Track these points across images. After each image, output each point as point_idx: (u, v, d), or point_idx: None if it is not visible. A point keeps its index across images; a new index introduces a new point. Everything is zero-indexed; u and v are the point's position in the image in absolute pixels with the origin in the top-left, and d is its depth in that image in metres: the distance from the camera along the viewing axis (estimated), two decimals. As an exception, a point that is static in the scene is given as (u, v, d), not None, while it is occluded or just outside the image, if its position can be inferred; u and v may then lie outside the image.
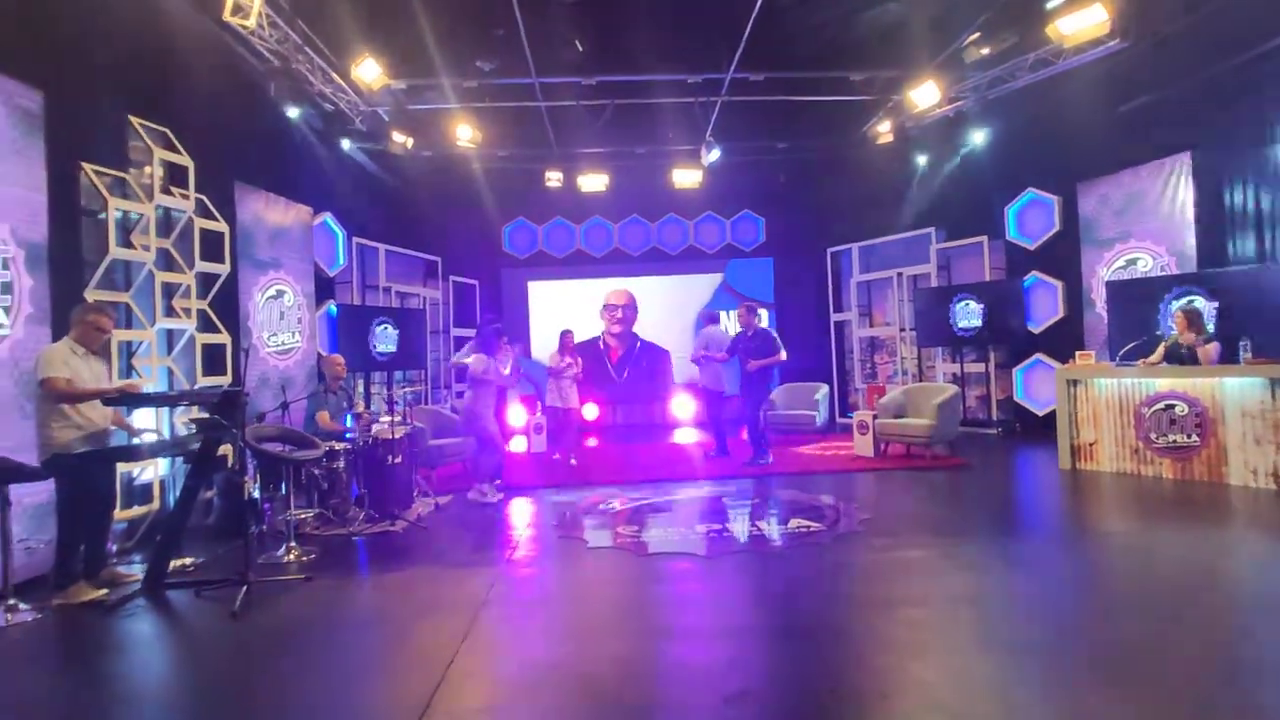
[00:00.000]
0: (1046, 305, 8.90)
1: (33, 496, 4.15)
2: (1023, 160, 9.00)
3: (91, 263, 4.93)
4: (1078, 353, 7.02)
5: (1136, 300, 7.38)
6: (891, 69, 8.91)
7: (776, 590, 3.85)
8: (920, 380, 10.15)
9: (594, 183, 11.18)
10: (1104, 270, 8.24)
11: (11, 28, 4.40)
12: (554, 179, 11.06)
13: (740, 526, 5.17)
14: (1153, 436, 6.18)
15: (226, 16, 6.29)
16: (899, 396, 8.05)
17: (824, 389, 9.46)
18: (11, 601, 3.68)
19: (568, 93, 9.25)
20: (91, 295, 4.82)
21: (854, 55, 8.70)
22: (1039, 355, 8.89)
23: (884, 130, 9.93)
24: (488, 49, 8.27)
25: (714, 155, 10.38)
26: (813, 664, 2.86)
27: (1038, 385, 8.97)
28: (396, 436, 5.66)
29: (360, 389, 9.08)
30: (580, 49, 8.16)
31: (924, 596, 3.55)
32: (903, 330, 10.62)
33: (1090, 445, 6.59)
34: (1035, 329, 8.99)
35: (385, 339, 9.10)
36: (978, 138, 9.42)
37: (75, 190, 4.85)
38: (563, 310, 12.19)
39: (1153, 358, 6.25)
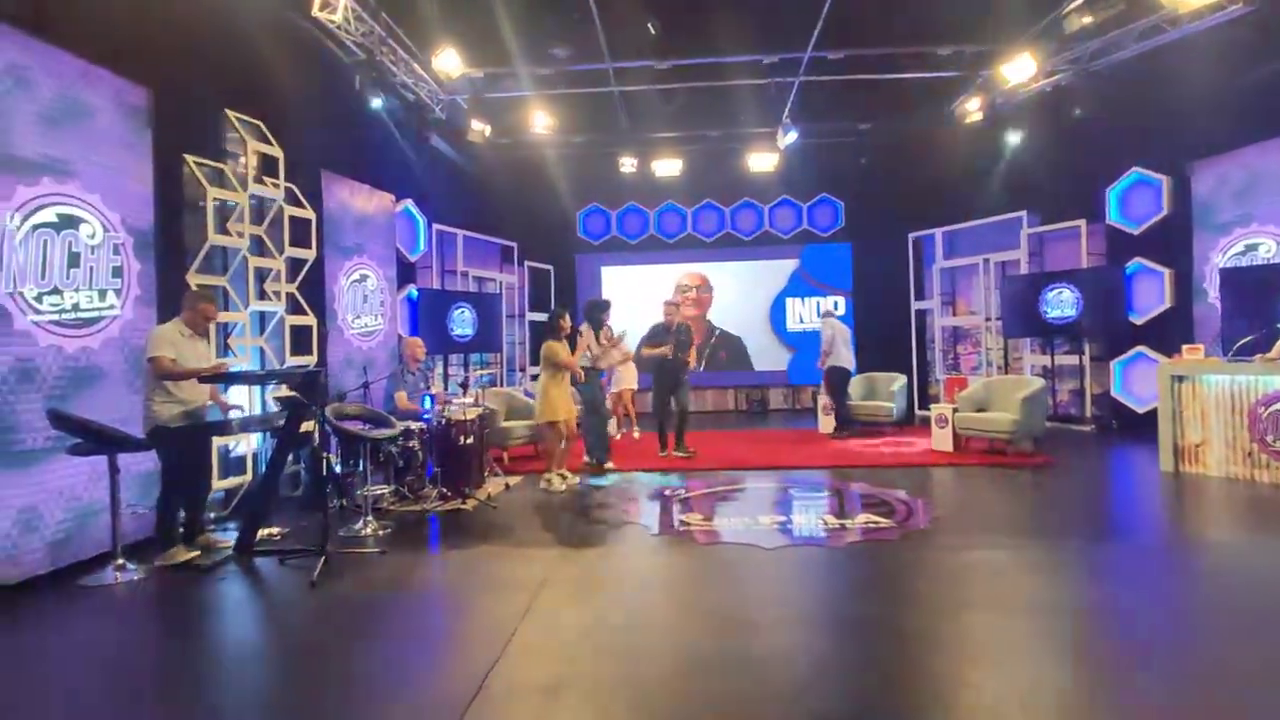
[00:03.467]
0: (1151, 294, 8.26)
1: (139, 465, 4.49)
2: (1128, 138, 8.33)
3: (192, 248, 5.26)
4: (1185, 346, 6.47)
5: (1255, 290, 6.73)
6: (982, 43, 8.42)
7: (841, 586, 3.75)
8: (1006, 372, 9.65)
9: (668, 167, 11.10)
10: (1219, 257, 7.56)
11: (121, 30, 4.71)
12: (628, 164, 11.05)
13: (808, 519, 5.06)
14: (1270, 439, 5.65)
15: (315, 12, 6.55)
16: (980, 389, 7.67)
17: (901, 380, 9.10)
18: (120, 561, 4.01)
19: (641, 77, 9.20)
20: (193, 279, 5.16)
21: (941, 29, 8.26)
22: (1141, 348, 8.27)
23: (972, 108, 9.41)
24: (563, 36, 8.31)
25: (791, 137, 10.11)
26: (874, 666, 2.77)
27: (1139, 380, 8.35)
28: (470, 418, 5.82)
29: (438, 371, 9.38)
30: (654, 32, 8.08)
31: (996, 601, 3.37)
32: (989, 319, 10.09)
33: (1196, 447, 6.09)
34: (1138, 320, 8.36)
35: (463, 323, 9.36)
36: (1077, 114, 8.77)
37: (178, 181, 5.18)
38: (637, 295, 12.19)
39: (1272, 353, 5.69)
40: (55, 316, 4.12)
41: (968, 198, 10.29)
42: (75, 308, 4.25)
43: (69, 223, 4.22)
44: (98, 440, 3.96)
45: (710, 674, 2.70)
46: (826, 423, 9.01)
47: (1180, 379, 6.19)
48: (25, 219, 3.97)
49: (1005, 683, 2.56)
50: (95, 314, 4.38)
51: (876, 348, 11.32)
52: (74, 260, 4.25)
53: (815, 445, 8.13)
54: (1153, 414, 7.66)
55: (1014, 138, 9.66)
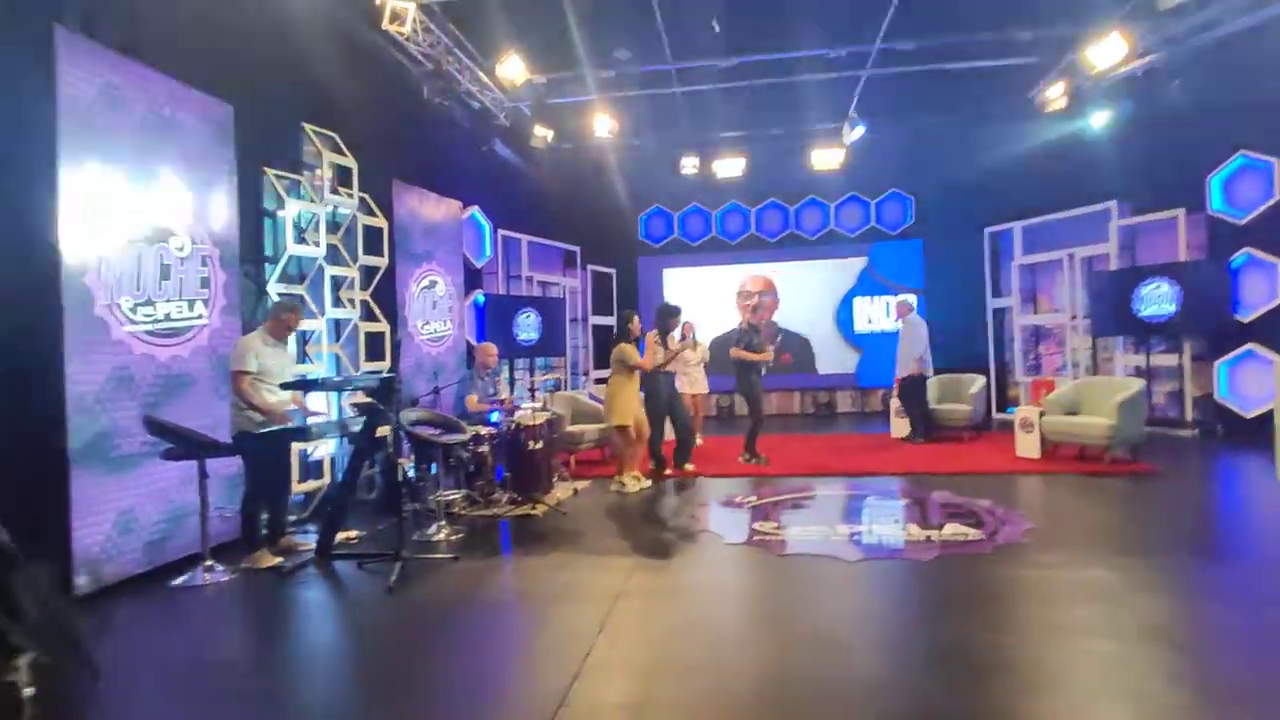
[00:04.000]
0: (1261, 288, 7.63)
1: (225, 470, 4.63)
2: (1232, 119, 7.72)
3: (272, 258, 5.42)
4: (1304, 344, 5.94)
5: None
6: (1065, 25, 7.96)
7: (930, 604, 3.54)
8: (1094, 373, 9.09)
9: (730, 167, 10.93)
10: (1340, 246, 6.93)
11: (205, 48, 4.90)
12: (689, 165, 10.94)
13: (888, 529, 4.84)
14: None
15: (385, 25, 6.69)
16: (1071, 392, 7.23)
17: (980, 381, 8.69)
18: (209, 563, 4.14)
19: (704, 77, 9.08)
20: (273, 288, 5.31)
21: (1020, 13, 7.85)
22: (1250, 346, 7.65)
23: (1055, 95, 8.91)
24: (625, 38, 8.27)
25: (858, 133, 9.80)
26: (974, 697, 2.57)
27: (1247, 381, 7.74)
28: (537, 423, 5.81)
29: (505, 375, 9.47)
30: (717, 30, 7.95)
31: (1105, 625, 3.11)
32: (1074, 318, 9.54)
33: (1319, 454, 5.57)
34: (1245, 316, 7.74)
35: (528, 327, 9.42)
36: (1173, 97, 8.18)
37: (259, 193, 5.35)
38: (699, 297, 12.07)
39: None
40: (149, 326, 4.29)
41: (1049, 190, 9.74)
42: (167, 317, 4.41)
43: (161, 236, 4.39)
44: (188, 445, 4.10)
45: (799, 700, 2.56)
46: (899, 426, 8.68)
47: (1301, 380, 5.67)
48: (121, 233, 4.13)
49: (1130, 716, 2.34)
50: (185, 323, 4.54)
51: (951, 348, 10.82)
52: (165, 272, 4.42)
53: (889, 450, 7.83)
54: (1264, 418, 7.10)
55: (1101, 124, 9.10)
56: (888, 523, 5.04)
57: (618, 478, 6.24)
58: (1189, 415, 8.28)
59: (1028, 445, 7.04)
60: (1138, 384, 6.83)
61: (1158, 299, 8.28)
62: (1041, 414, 7.01)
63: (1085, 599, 3.44)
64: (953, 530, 4.63)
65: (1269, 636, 3.00)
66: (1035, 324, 10.35)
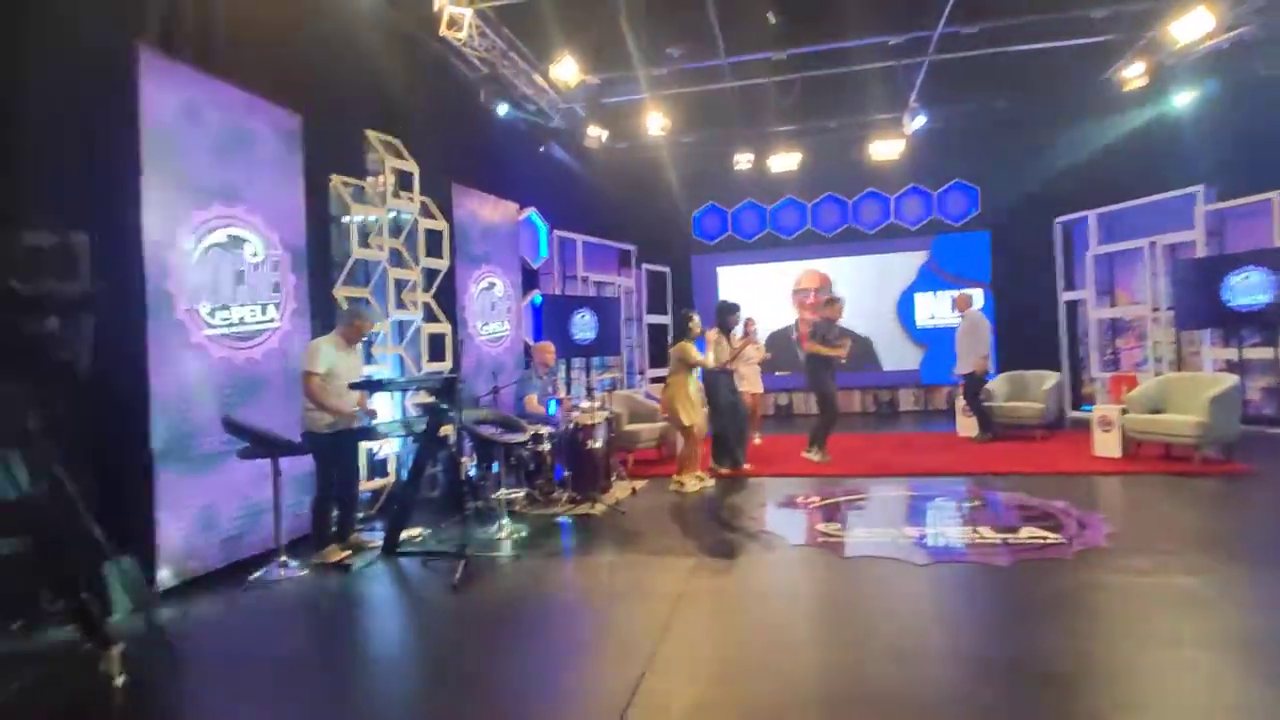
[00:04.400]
0: (1368, 275, 7.05)
1: (298, 468, 4.78)
2: (1335, 94, 7.16)
3: (338, 262, 5.58)
4: None
5: None
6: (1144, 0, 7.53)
7: (1006, 611, 3.38)
8: (1179, 368, 8.57)
9: (785, 162, 10.75)
10: None
11: (275, 61, 5.08)
12: (744, 160, 10.80)
13: (958, 531, 4.65)
14: None
15: (443, 31, 6.81)
16: (1155, 388, 6.82)
17: (1053, 378, 8.29)
18: (283, 559, 4.28)
19: (758, 70, 8.94)
20: (340, 292, 5.47)
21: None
22: (1356, 338, 7.09)
23: (1134, 74, 8.44)
24: (677, 35, 8.21)
25: (919, 122, 9.52)
26: (1057, 712, 2.43)
27: (1353, 375, 7.16)
28: (595, 422, 5.82)
29: (562, 374, 9.53)
30: (773, 22, 7.81)
31: (1197, 635, 2.91)
32: (1155, 309, 9.01)
33: None
34: (1351, 305, 7.17)
35: (584, 327, 9.47)
36: (1268, 71, 7.65)
37: (325, 199, 5.52)
38: (755, 295, 11.91)
39: None
40: (225, 330, 4.46)
41: (1127, 176, 9.22)
42: (241, 321, 4.58)
43: (236, 243, 4.57)
44: (262, 445, 4.25)
45: (868, 710, 2.47)
46: (966, 425, 8.38)
47: None
48: (200, 241, 4.32)
49: (1238, 738, 2.17)
50: (258, 327, 4.71)
51: (1021, 344, 10.44)
52: (240, 277, 4.59)
53: (956, 449, 7.56)
54: (1377, 415, 6.58)
55: (1185, 103, 8.58)
56: (958, 525, 4.85)
57: (677, 477, 6.20)
58: (1287, 412, 7.72)
59: (1107, 444, 6.69)
60: (1231, 379, 6.40)
61: (1249, 288, 7.74)
62: (1124, 411, 6.64)
63: (1175, 607, 3.24)
64: (1029, 533, 4.42)
65: (1393, 653, 2.75)
66: (1112, 317, 9.83)
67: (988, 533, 4.53)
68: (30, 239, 3.09)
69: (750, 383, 8.16)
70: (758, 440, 8.46)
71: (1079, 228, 10.03)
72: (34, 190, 3.71)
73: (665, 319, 11.91)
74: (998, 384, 8.59)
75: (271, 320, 4.81)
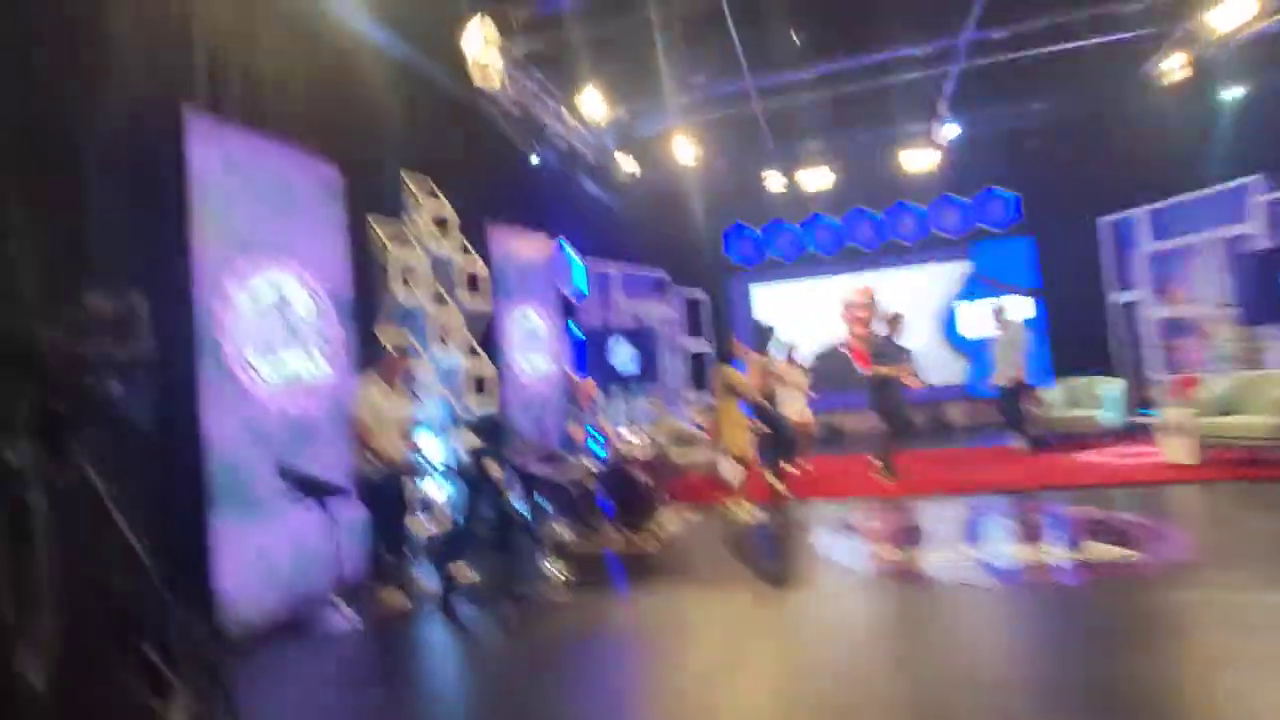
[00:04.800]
0: None
1: (353, 513, 4.82)
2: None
3: (380, 305, 5.69)
4: None
5: None
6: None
7: (1082, 635, 3.18)
8: (1247, 368, 8.15)
9: (816, 179, 10.68)
10: None
11: (314, 113, 5.23)
12: (774, 180, 10.75)
13: (1029, 551, 4.44)
14: None
15: (477, 83, 6.94)
16: (1226, 389, 6.49)
17: (1114, 384, 7.96)
18: (341, 604, 4.29)
19: (784, 89, 8.94)
20: (383, 334, 5.56)
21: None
22: None
23: (1173, 66, 8.19)
24: (701, 60, 8.27)
25: (951, 131, 9.37)
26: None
27: None
28: (642, 454, 5.76)
29: (605, 404, 9.51)
30: (797, 42, 7.81)
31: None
32: (1218, 307, 8.61)
33: None
34: None
35: (624, 357, 9.46)
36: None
37: (366, 246, 5.64)
38: (793, 314, 11.79)
39: None
40: (276, 379, 4.56)
41: (1175, 170, 8.92)
42: (295, 373, 4.68)
43: (283, 293, 4.68)
44: (315, 490, 4.29)
45: (954, 745, 2.33)
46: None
47: None
48: (250, 294, 4.44)
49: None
50: (308, 375, 4.80)
51: (1073, 349, 10.07)
52: (289, 328, 4.70)
53: (1012, 463, 7.28)
54: None
55: (1233, 92, 8.28)
56: (1024, 543, 4.63)
57: (728, 505, 6.09)
58: (1372, 408, 7.24)
59: (1179, 451, 6.36)
60: (1307, 376, 6.06)
61: (1319, 279, 7.35)
62: (1195, 414, 6.32)
63: (1270, 628, 3.00)
64: (1101, 550, 4.19)
65: None
66: (1169, 317, 9.43)
67: (1058, 551, 4.32)
68: (91, 301, 3.19)
69: (795, 408, 7.86)
70: (808, 466, 8.16)
71: (1127, 226, 9.71)
72: (92, 252, 3.86)
73: (706, 345, 11.85)
74: (1055, 393, 8.28)
75: (320, 368, 4.90)
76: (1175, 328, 9.48)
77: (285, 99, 5.06)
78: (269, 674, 3.63)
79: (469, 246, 6.75)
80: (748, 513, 6.00)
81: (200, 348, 4.08)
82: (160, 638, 3.38)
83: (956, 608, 3.60)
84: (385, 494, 4.52)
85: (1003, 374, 7.85)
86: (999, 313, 8.26)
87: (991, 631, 3.31)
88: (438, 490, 5.91)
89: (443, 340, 6.33)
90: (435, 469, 4.79)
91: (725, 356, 6.21)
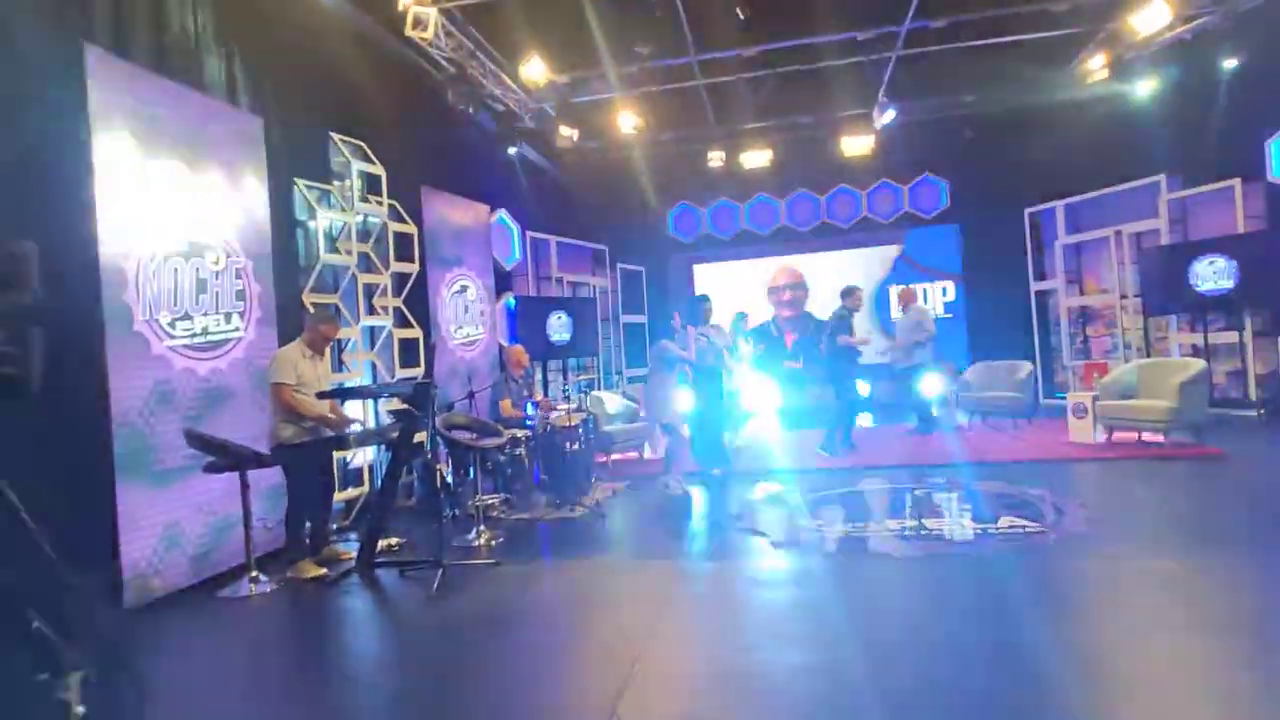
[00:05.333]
0: (1327, 258, 7.21)
1: (268, 480, 4.65)
2: (1290, 82, 7.31)
3: (305, 268, 5.45)
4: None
5: None
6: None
7: (992, 602, 3.37)
8: (1148, 355, 8.72)
9: (757, 159, 10.74)
10: None
11: (236, 65, 4.94)
12: (716, 158, 10.77)
13: (942, 523, 4.66)
14: None
15: (408, 31, 6.68)
16: (1127, 375, 6.92)
17: (1027, 368, 8.38)
18: (254, 574, 4.15)
19: (728, 67, 8.93)
20: (308, 298, 5.33)
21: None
22: (1317, 320, 7.24)
23: (1096, 66, 8.54)
24: (646, 33, 8.16)
25: (889, 117, 9.54)
26: (1048, 701, 2.42)
27: (1315, 357, 7.33)
28: (573, 424, 5.75)
29: (538, 377, 9.44)
30: (743, 17, 7.79)
31: (1184, 620, 2.93)
32: (1124, 297, 9.16)
33: (1403, 431, 5.23)
34: (1311, 288, 7.32)
35: (559, 328, 9.38)
36: (1225, 61, 7.80)
37: (290, 204, 5.38)
38: (731, 293, 11.92)
39: None
40: (188, 340, 4.32)
41: (1093, 166, 9.37)
42: (204, 331, 4.44)
43: (196, 250, 4.42)
44: (229, 458, 4.11)
45: (856, 707, 2.43)
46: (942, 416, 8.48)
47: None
48: (157, 249, 4.17)
49: (1224, 722, 2.17)
50: (222, 336, 4.57)
51: (993, 334, 10.57)
52: (202, 286, 4.45)
53: (934, 441, 7.59)
54: (1339, 395, 6.74)
55: (1147, 94, 8.72)
56: (939, 516, 4.85)
57: (661, 478, 6.15)
58: (1254, 394, 7.88)
59: (1082, 431, 6.78)
60: (1199, 364, 6.52)
61: (1214, 274, 7.89)
62: (1096, 398, 6.73)
63: (1158, 591, 3.26)
64: (1009, 522, 4.44)
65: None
66: (1082, 305, 9.99)
67: (970, 523, 4.55)
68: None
69: (741, 381, 7.96)
70: (750, 439, 8.29)
71: (1047, 218, 10.18)
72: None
73: (642, 318, 11.86)
74: (972, 374, 8.66)
75: (236, 329, 4.67)
76: (1086, 316, 10.06)
77: (203, 48, 4.76)
78: (179, 646, 3.49)
79: (401, 210, 6.53)
80: (678, 484, 6.08)
81: (105, 306, 3.82)
82: (54, 612, 3.20)
83: (872, 577, 3.75)
84: (304, 460, 4.37)
85: (907, 357, 8.01)
86: (902, 295, 8.51)
87: (907, 598, 3.46)
88: (361, 457, 5.76)
89: (371, 304, 6.13)
90: (360, 436, 4.65)
91: (666, 330, 6.21)
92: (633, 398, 8.46)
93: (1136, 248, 9.01)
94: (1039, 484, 5.34)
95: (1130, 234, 9.06)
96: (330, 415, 4.39)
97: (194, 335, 4.37)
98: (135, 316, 4.00)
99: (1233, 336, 8.12)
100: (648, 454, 7.67)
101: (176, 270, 4.29)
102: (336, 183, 5.89)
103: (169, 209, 4.25)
